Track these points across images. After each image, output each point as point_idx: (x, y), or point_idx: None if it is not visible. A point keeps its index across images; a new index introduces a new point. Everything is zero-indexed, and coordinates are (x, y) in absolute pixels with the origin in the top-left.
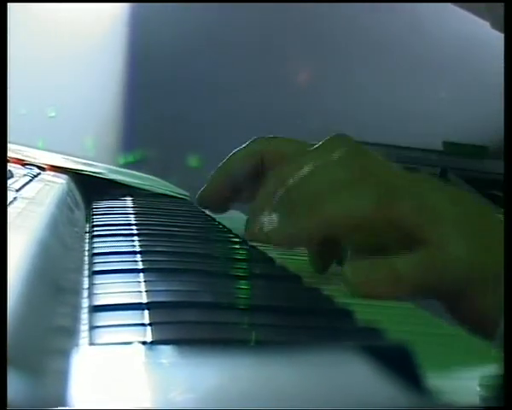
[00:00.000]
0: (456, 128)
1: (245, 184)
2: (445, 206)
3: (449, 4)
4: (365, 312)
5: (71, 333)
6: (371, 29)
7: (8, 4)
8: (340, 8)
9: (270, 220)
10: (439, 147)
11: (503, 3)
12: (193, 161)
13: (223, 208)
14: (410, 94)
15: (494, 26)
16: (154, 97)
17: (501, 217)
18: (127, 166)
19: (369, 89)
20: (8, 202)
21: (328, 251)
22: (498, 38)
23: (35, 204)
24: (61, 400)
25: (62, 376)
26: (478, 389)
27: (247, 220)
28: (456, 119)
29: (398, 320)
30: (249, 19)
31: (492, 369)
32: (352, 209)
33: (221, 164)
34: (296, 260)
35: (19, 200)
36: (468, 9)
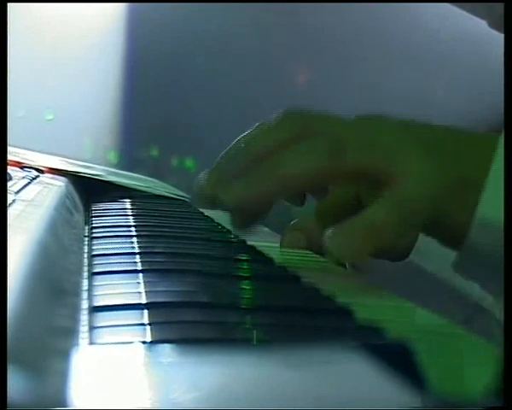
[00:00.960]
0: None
1: None
2: (397, 139)
3: (447, 4)
4: (366, 311)
5: (71, 333)
6: (371, 29)
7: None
8: (339, 9)
9: (221, 181)
10: None
11: (501, 3)
12: (190, 162)
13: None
14: (410, 97)
15: (492, 25)
16: (151, 99)
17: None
18: (121, 165)
19: (369, 91)
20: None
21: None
22: (498, 36)
23: (34, 206)
24: (61, 400)
25: (62, 376)
26: (478, 389)
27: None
28: (457, 120)
29: (398, 319)
30: (249, 19)
31: (493, 369)
32: (301, 166)
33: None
34: (296, 259)
35: (18, 202)
36: (465, 9)
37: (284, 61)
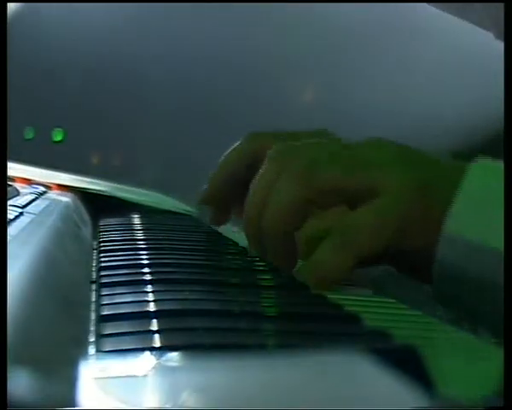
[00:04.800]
0: (461, 137)
1: (243, 181)
2: (374, 155)
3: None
4: (372, 318)
5: (77, 340)
6: (370, 34)
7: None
8: (339, 8)
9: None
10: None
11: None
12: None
13: (225, 210)
14: (410, 103)
15: (498, 36)
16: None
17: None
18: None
19: (370, 100)
20: (13, 217)
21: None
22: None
23: (41, 219)
24: (65, 400)
25: (66, 378)
26: (479, 389)
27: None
28: (460, 128)
29: (404, 325)
30: (248, 19)
31: (494, 370)
32: (282, 201)
33: (218, 164)
34: None
35: (25, 215)
36: (471, 20)
37: (283, 61)
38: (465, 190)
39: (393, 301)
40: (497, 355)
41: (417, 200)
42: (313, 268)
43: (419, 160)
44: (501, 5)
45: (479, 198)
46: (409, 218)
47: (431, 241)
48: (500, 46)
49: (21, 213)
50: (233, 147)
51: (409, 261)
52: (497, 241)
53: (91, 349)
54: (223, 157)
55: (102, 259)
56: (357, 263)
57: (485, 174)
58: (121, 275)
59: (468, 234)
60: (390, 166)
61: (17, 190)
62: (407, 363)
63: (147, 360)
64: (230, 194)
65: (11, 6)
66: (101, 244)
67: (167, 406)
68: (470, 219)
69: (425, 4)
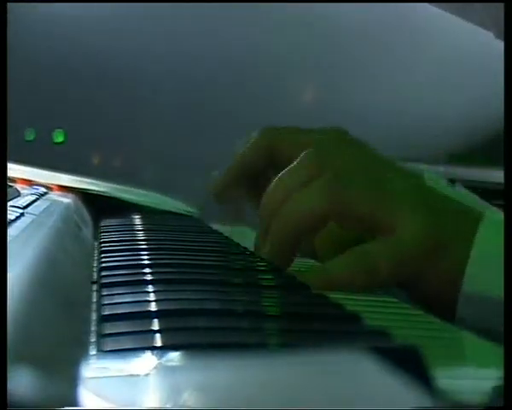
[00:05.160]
0: (462, 137)
1: (257, 175)
2: (399, 191)
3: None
4: (372, 318)
5: (78, 340)
6: (373, 35)
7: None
8: (339, 9)
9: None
10: (444, 156)
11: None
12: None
13: (236, 205)
14: (411, 103)
15: (498, 35)
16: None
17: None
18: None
19: (370, 99)
20: (14, 217)
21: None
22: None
23: (42, 220)
24: (65, 401)
25: (67, 378)
26: (480, 389)
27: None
28: (461, 128)
29: (404, 325)
30: (248, 19)
31: (494, 370)
32: (301, 209)
33: (233, 157)
34: (304, 269)
35: (26, 216)
36: (472, 20)
37: (283, 63)
38: (480, 248)
39: (394, 300)
40: (497, 355)
41: (433, 248)
42: (322, 274)
43: (440, 207)
44: (501, 5)
45: (493, 255)
46: (424, 261)
47: (444, 290)
48: (500, 46)
49: (22, 214)
50: (248, 140)
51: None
52: None
53: (92, 349)
54: (237, 150)
55: (103, 259)
56: (366, 286)
57: (497, 230)
58: (122, 275)
59: (485, 292)
60: (412, 207)
61: (18, 191)
62: (407, 363)
63: (147, 360)
64: (244, 187)
65: (11, 6)
66: (102, 245)
67: (168, 406)
68: (487, 277)
69: (425, 4)
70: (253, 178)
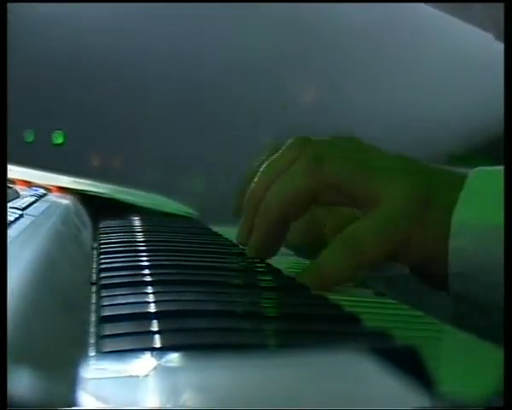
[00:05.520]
0: (461, 138)
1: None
2: (379, 158)
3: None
4: (372, 319)
5: (77, 341)
6: (373, 36)
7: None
8: (339, 9)
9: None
10: (444, 157)
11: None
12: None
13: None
14: (412, 104)
15: (498, 37)
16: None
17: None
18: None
19: (370, 100)
20: (13, 219)
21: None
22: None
23: (41, 221)
24: (65, 401)
25: (67, 378)
26: (479, 389)
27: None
28: (461, 129)
29: (404, 326)
30: (247, 20)
31: (494, 370)
32: (286, 190)
33: (245, 176)
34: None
35: (25, 217)
36: (472, 22)
37: (282, 64)
38: (469, 185)
39: (393, 301)
40: (497, 355)
41: (420, 210)
42: (314, 271)
43: (423, 170)
44: (501, 6)
45: (482, 191)
46: (412, 228)
47: (437, 249)
48: (499, 47)
49: (21, 215)
50: (257, 158)
51: (419, 268)
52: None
53: (91, 350)
54: (249, 169)
55: (102, 260)
56: (360, 269)
57: (486, 174)
58: (121, 277)
59: (476, 219)
60: (395, 176)
61: (17, 193)
62: (407, 363)
63: (146, 361)
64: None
65: (11, 6)
66: (101, 246)
67: (167, 406)
68: (477, 206)
69: (425, 5)
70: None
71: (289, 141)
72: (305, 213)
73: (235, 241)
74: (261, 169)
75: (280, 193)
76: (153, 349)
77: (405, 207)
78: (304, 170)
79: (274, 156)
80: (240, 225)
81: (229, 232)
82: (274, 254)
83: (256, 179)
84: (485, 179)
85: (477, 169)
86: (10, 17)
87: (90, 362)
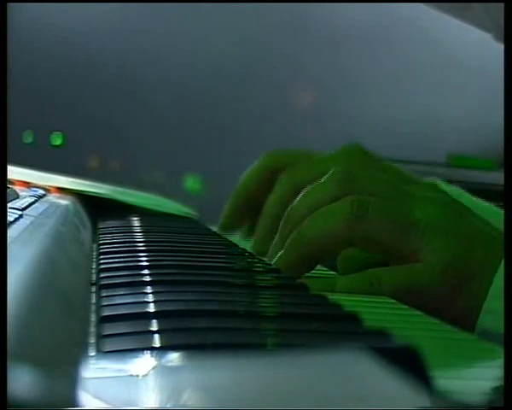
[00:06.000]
0: (460, 140)
1: (262, 198)
2: (421, 218)
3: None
4: (372, 318)
5: (78, 340)
6: (372, 36)
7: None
8: (340, 9)
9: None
10: (443, 158)
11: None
12: (195, 181)
13: (247, 228)
14: (412, 105)
15: (498, 38)
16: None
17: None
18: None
19: (370, 101)
20: (13, 219)
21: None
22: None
23: (41, 222)
24: (65, 401)
25: (66, 378)
26: (480, 389)
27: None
28: (460, 130)
29: (404, 326)
30: (248, 20)
31: (494, 370)
32: (322, 229)
33: (236, 186)
34: None
35: (25, 217)
36: (471, 22)
37: (283, 65)
38: (496, 287)
39: (393, 301)
40: (497, 355)
41: (453, 283)
42: (327, 287)
43: (471, 235)
44: (500, 7)
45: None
46: (438, 298)
47: (462, 315)
48: (499, 48)
49: (21, 216)
50: (250, 167)
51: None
52: None
53: (92, 350)
54: (240, 178)
55: (102, 261)
56: None
57: None
58: (121, 277)
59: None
60: (437, 236)
61: (16, 193)
62: (407, 363)
63: (146, 361)
64: (250, 213)
65: (11, 6)
66: (101, 246)
67: (167, 405)
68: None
69: (425, 7)
70: (257, 204)
71: (334, 172)
72: (333, 257)
73: (250, 249)
74: (303, 193)
75: (316, 230)
76: (152, 349)
77: (441, 272)
78: (345, 218)
79: (318, 183)
80: (261, 235)
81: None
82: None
83: (295, 203)
84: None
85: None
86: (10, 18)
87: (90, 362)
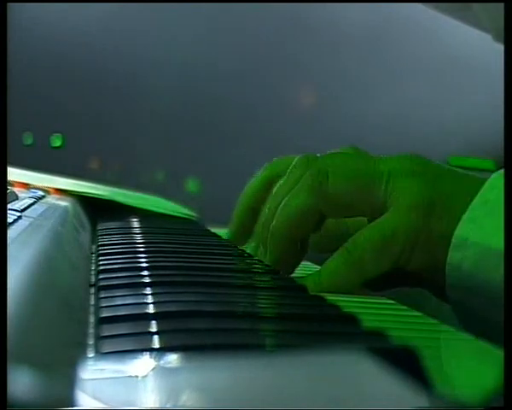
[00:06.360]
0: (460, 140)
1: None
2: (381, 169)
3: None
4: (372, 319)
5: (77, 341)
6: (371, 36)
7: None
8: (340, 10)
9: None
10: (443, 158)
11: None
12: (194, 183)
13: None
14: (413, 106)
15: (497, 39)
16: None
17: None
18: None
19: (369, 102)
20: (12, 220)
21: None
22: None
23: (40, 223)
24: (65, 402)
25: (65, 378)
26: (479, 389)
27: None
28: (460, 130)
29: (404, 326)
30: (248, 20)
31: (494, 370)
32: (292, 209)
33: (239, 199)
34: (301, 271)
35: (24, 218)
36: (471, 23)
37: (282, 65)
38: (482, 195)
39: (392, 302)
40: (497, 356)
41: (423, 217)
42: (316, 274)
43: (434, 173)
44: (500, 8)
45: (496, 202)
46: (414, 237)
47: (439, 258)
48: (498, 48)
49: (20, 217)
50: (253, 177)
51: (420, 278)
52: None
53: (90, 351)
54: (243, 191)
55: (101, 262)
56: (364, 279)
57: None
58: (120, 278)
59: (478, 239)
60: (398, 183)
61: (16, 195)
62: (407, 363)
63: (145, 362)
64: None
65: (11, 6)
66: (100, 248)
67: (166, 406)
68: (485, 222)
69: (424, 7)
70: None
71: (296, 159)
72: (314, 231)
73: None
74: (270, 195)
75: (284, 214)
76: (151, 350)
77: (407, 217)
78: (307, 189)
79: (281, 180)
80: (252, 248)
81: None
82: (293, 271)
83: (266, 206)
84: (500, 194)
85: (495, 176)
86: (10, 18)
87: (89, 363)
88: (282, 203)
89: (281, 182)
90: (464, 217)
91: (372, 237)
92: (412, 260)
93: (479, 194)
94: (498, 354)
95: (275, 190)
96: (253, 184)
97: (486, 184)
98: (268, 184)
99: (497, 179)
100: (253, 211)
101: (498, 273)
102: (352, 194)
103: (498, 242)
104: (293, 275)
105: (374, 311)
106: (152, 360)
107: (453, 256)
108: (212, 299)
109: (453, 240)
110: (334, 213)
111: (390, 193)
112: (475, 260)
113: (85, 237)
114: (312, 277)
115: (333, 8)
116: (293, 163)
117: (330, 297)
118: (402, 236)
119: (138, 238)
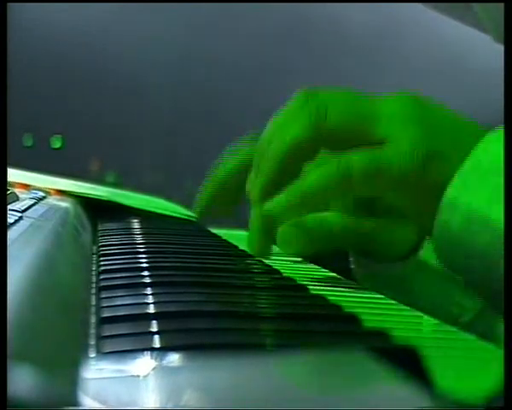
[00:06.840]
0: None
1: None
2: (382, 107)
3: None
4: (372, 319)
5: (77, 341)
6: (371, 36)
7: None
8: (340, 10)
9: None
10: None
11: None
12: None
13: (224, 209)
14: None
15: (497, 39)
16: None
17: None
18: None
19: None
20: (13, 221)
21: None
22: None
23: (41, 224)
24: (65, 401)
25: (66, 378)
26: (479, 389)
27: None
28: None
29: (404, 326)
30: (248, 20)
31: (494, 370)
32: (287, 139)
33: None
34: (302, 271)
35: (24, 219)
36: (471, 23)
37: (283, 66)
38: (476, 156)
39: (393, 301)
40: (497, 356)
41: (427, 165)
42: (299, 189)
43: (435, 120)
44: (500, 8)
45: (488, 167)
46: (408, 176)
47: (428, 210)
48: (498, 49)
49: (21, 218)
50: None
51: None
52: (498, 212)
53: (92, 351)
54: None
55: (102, 263)
56: (347, 195)
57: (499, 146)
58: (120, 278)
59: (471, 200)
60: (401, 127)
61: (16, 196)
62: (407, 363)
63: (146, 362)
64: (230, 194)
65: (11, 6)
66: (101, 248)
67: (167, 406)
68: (476, 186)
69: (424, 7)
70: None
71: (296, 93)
72: (306, 160)
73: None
74: (269, 124)
75: (280, 143)
76: (152, 350)
77: (402, 154)
78: (305, 122)
79: (282, 109)
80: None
81: (229, 234)
82: (276, 207)
83: (264, 132)
84: (496, 156)
85: (490, 138)
86: (10, 18)
87: (90, 363)
88: (279, 133)
89: (277, 114)
90: (455, 179)
91: (361, 162)
92: (402, 203)
93: (472, 154)
94: (499, 353)
95: (272, 121)
96: (232, 162)
97: (481, 145)
98: (245, 168)
99: (491, 142)
100: (230, 183)
101: (482, 239)
102: (349, 132)
103: (485, 208)
104: (292, 275)
105: (374, 311)
106: (152, 359)
107: (442, 215)
108: (212, 299)
109: (444, 199)
110: (329, 147)
111: (389, 136)
112: (462, 222)
113: (86, 237)
114: (292, 188)
115: (333, 8)
116: (294, 97)
117: (331, 297)
118: (391, 169)
119: (139, 239)
